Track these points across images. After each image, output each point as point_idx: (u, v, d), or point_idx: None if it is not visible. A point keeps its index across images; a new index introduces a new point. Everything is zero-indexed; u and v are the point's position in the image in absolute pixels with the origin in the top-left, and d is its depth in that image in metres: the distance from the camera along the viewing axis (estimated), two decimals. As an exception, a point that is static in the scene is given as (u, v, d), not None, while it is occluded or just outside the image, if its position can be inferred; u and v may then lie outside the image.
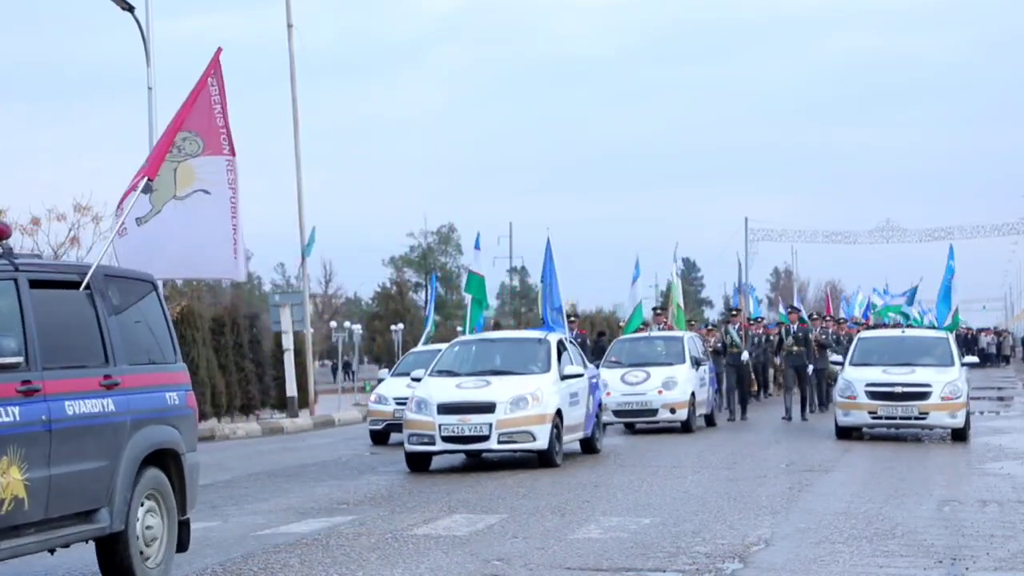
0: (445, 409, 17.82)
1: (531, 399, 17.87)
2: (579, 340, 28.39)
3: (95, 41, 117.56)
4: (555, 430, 18.03)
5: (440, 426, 17.73)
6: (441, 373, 19.01)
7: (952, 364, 22.38)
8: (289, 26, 32.22)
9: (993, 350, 70.34)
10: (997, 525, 12.48)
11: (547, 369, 18.74)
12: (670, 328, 30.41)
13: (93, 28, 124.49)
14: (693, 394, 24.70)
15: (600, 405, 20.74)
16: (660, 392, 24.28)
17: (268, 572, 10.48)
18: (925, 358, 22.65)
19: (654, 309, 33.00)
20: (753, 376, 31.93)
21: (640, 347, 26.43)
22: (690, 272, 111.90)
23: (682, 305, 34.08)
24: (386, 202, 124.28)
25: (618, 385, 24.41)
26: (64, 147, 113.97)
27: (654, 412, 24.33)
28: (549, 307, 22.26)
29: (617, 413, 24.38)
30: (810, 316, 33.49)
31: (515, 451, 18.38)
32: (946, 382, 21.62)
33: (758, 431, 25.17)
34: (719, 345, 29.49)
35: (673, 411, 24.28)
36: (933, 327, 37.43)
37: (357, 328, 50.50)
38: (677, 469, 17.93)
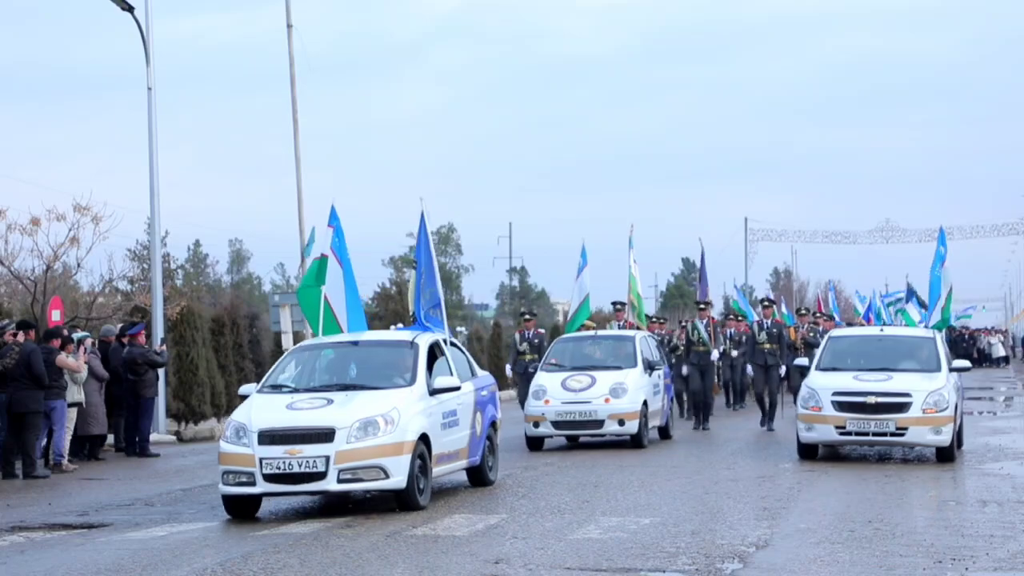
0: (268, 438, 13.60)
1: (383, 423, 13.73)
2: (537, 341, 25.80)
3: (95, 41, 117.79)
4: (419, 462, 13.98)
5: (261, 461, 13.51)
6: (273, 389, 14.78)
7: (938, 369, 19.05)
8: (289, 26, 32.19)
9: (999, 352, 70.14)
10: (997, 525, 12.49)
11: (412, 382, 14.61)
12: (631, 326, 27.09)
13: (93, 28, 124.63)
14: (645, 403, 21.40)
15: (494, 424, 16.61)
16: (607, 400, 21.02)
17: (268, 572, 10.49)
18: (906, 362, 19.43)
19: (613, 304, 29.41)
20: (716, 380, 28.42)
21: (585, 348, 23.05)
22: (690, 272, 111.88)
23: (643, 295, 30.14)
24: (386, 202, 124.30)
25: (558, 392, 21.23)
26: (64, 147, 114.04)
27: (600, 423, 21.04)
28: (423, 301, 16.95)
29: (557, 424, 21.12)
30: (798, 311, 31.16)
31: (365, 492, 14.52)
32: (930, 391, 18.27)
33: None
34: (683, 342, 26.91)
35: (622, 423, 21.01)
36: (914, 324, 35.28)
37: (357, 328, 50.52)
38: (677, 469, 17.92)
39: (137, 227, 35.52)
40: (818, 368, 19.52)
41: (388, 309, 49.84)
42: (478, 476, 16.11)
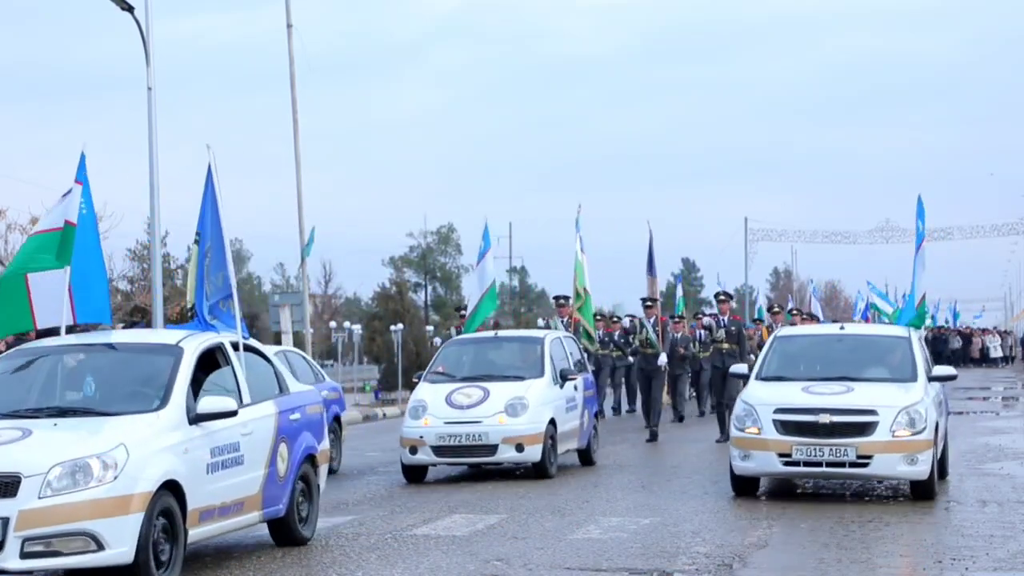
0: None
1: (100, 467, 9.36)
2: None
3: (95, 41, 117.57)
4: (161, 521, 9.63)
5: None
6: None
7: (914, 378, 14.80)
8: (289, 26, 32.20)
9: (998, 352, 70.05)
10: (997, 525, 12.50)
11: (163, 404, 10.17)
12: (576, 322, 23.17)
13: (93, 28, 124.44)
14: (553, 422, 17.10)
15: (312, 459, 12.03)
16: (501, 420, 16.65)
17: (267, 572, 10.50)
18: (872, 368, 15.25)
19: (555, 299, 26.02)
20: (668, 384, 25.87)
21: (484, 351, 18.55)
22: (690, 272, 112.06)
23: (589, 290, 24.20)
24: (386, 202, 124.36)
25: (441, 408, 16.83)
26: (64, 147, 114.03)
27: (492, 449, 16.63)
28: (209, 289, 12.26)
29: (438, 450, 16.68)
30: (769, 309, 29.29)
31: (64, 568, 9.60)
32: (902, 407, 14.06)
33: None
34: (622, 341, 25.13)
35: (520, 448, 16.61)
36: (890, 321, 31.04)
37: (357, 328, 50.46)
38: (677, 469, 17.92)
39: (137, 227, 35.55)
40: (759, 377, 15.23)
41: (388, 309, 49.81)
42: (284, 532, 11.65)
